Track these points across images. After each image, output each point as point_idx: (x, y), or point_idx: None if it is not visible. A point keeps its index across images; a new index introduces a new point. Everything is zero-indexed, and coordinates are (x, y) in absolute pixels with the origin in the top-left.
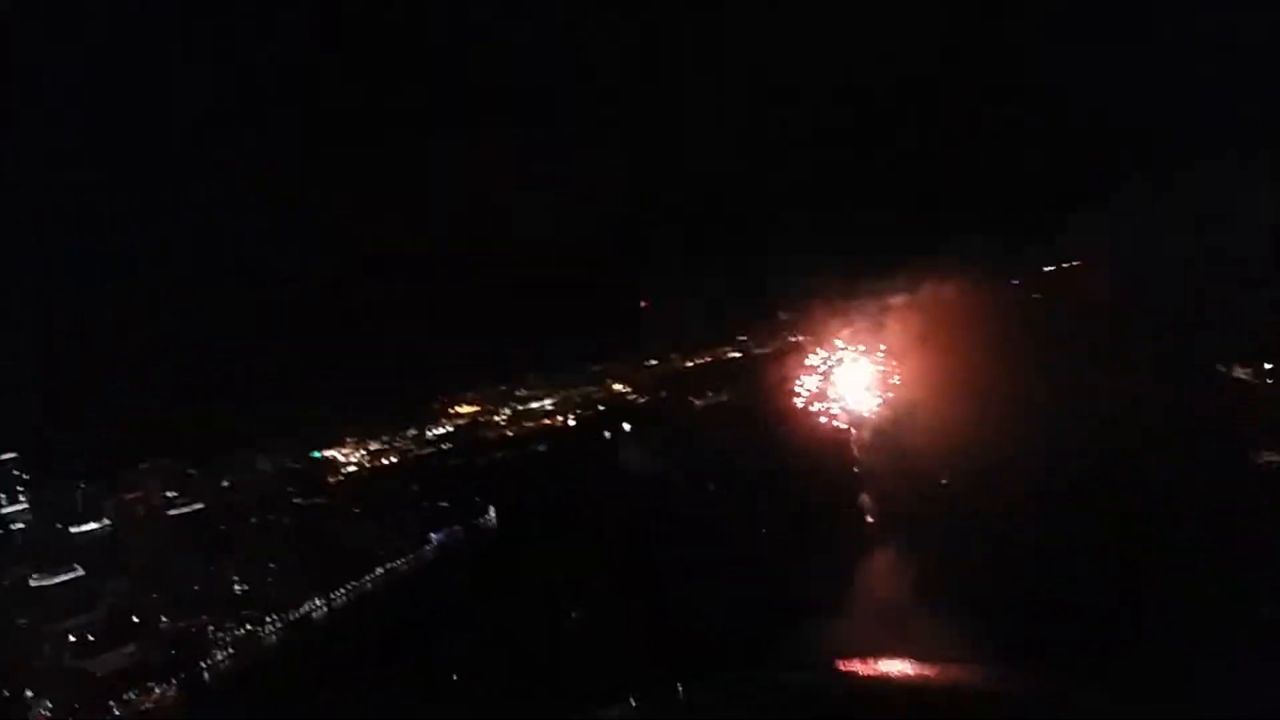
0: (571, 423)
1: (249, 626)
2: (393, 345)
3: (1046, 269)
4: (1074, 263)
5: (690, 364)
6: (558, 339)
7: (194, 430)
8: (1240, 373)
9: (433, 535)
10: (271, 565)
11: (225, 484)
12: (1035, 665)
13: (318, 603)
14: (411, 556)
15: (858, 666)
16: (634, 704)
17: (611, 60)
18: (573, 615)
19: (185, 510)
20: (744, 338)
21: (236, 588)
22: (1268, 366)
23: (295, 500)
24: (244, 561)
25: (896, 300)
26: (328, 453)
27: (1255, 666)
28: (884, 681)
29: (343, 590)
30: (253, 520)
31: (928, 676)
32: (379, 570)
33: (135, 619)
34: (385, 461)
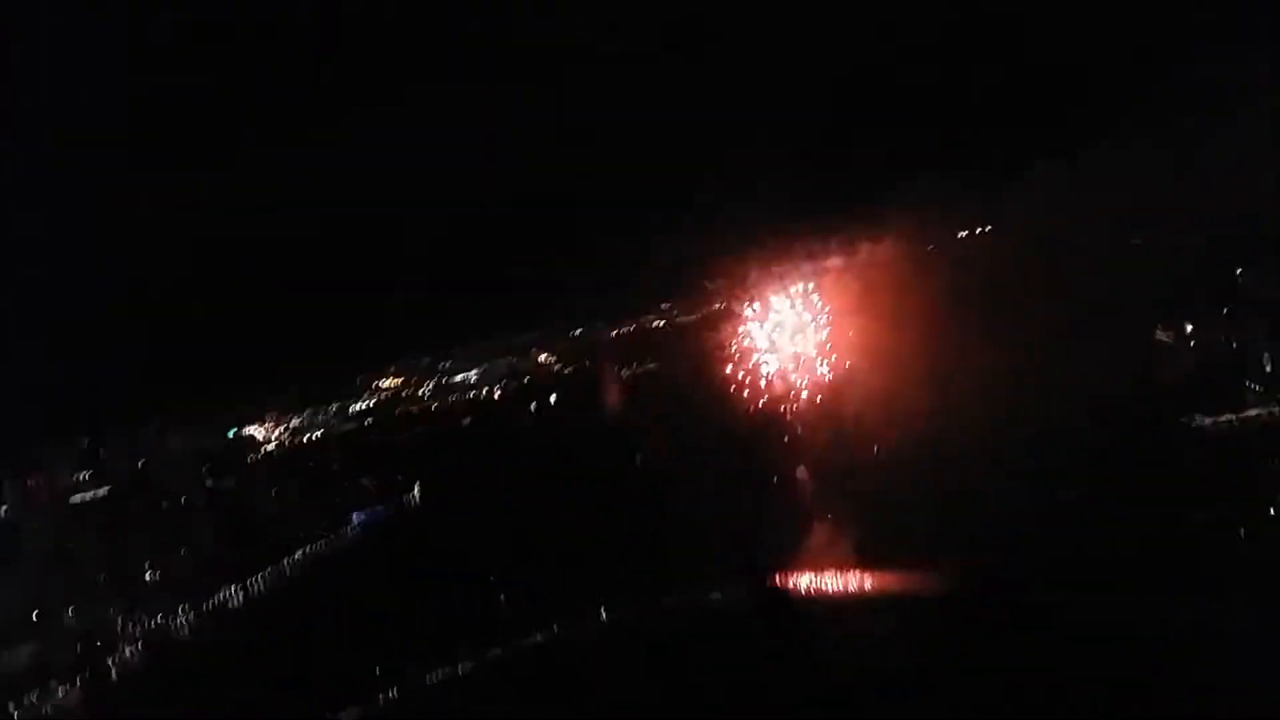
0: (496, 395)
1: (160, 618)
2: (314, 318)
3: (979, 232)
4: (1004, 226)
5: (616, 333)
6: (481, 310)
7: (101, 407)
8: (1162, 335)
9: (354, 515)
10: (184, 552)
11: (134, 465)
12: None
13: (233, 590)
14: (332, 537)
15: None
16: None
17: (535, 23)
18: (501, 597)
19: (90, 495)
20: (668, 305)
21: (146, 576)
22: (1188, 329)
23: (208, 482)
24: (154, 548)
25: (827, 264)
26: (246, 430)
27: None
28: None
29: (260, 575)
30: (164, 504)
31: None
32: (298, 554)
33: (35, 615)
34: (306, 439)
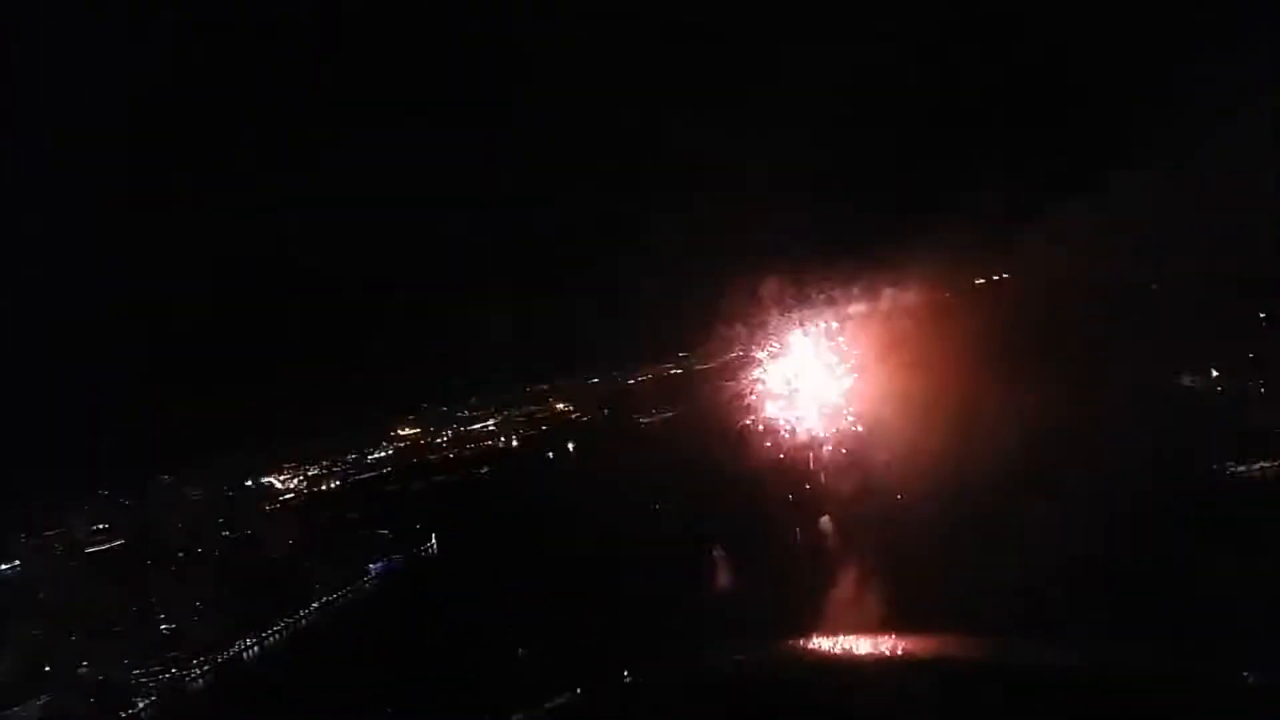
0: (514, 443)
1: (174, 670)
2: (334, 368)
3: (998, 278)
4: (1024, 271)
5: (632, 381)
6: (499, 359)
7: (119, 458)
8: (1188, 380)
9: (371, 566)
10: (199, 604)
11: (149, 516)
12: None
13: (248, 642)
14: (349, 589)
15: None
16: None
17: (543, 68)
18: (519, 651)
19: (106, 547)
20: (685, 354)
21: (162, 628)
22: (1214, 374)
23: (225, 532)
24: (170, 599)
25: (843, 311)
26: (264, 479)
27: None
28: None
29: (276, 628)
30: (180, 554)
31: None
32: (314, 605)
33: (49, 666)
34: (324, 487)
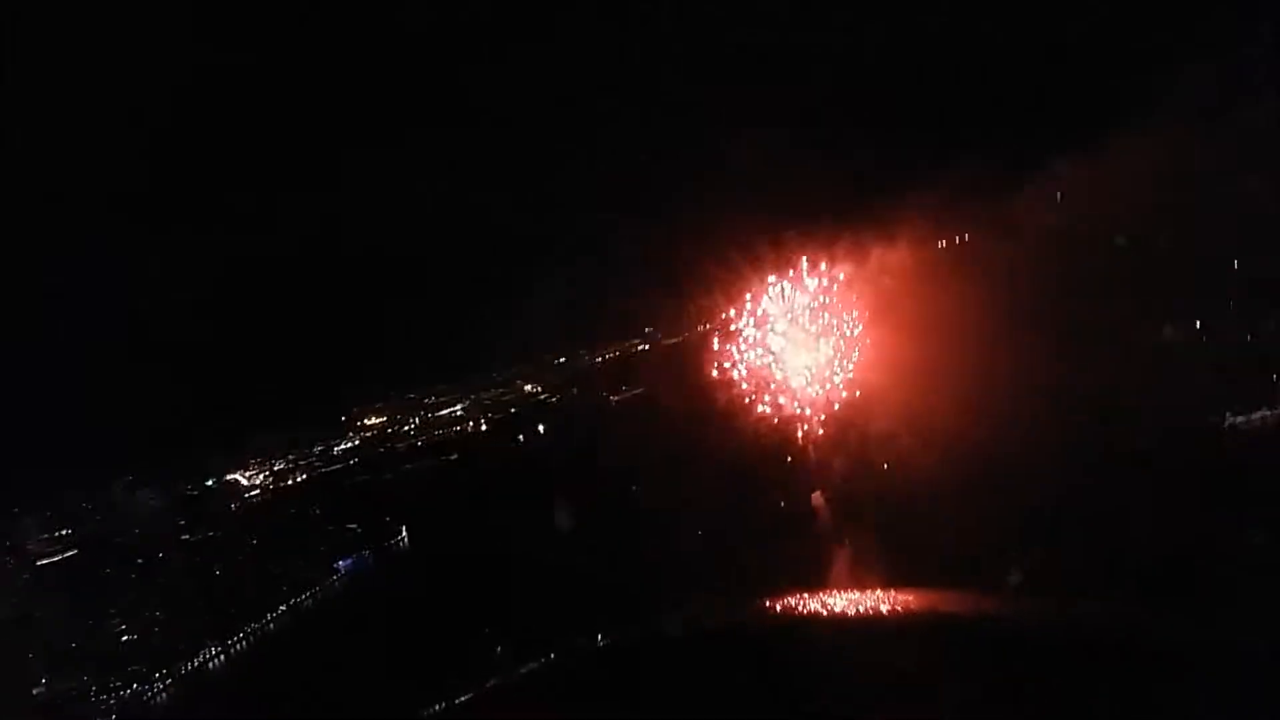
0: (484, 427)
1: (135, 685)
2: (297, 357)
3: (980, 238)
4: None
5: (599, 359)
6: (464, 342)
7: (69, 461)
8: (1171, 333)
9: (340, 564)
10: (159, 613)
11: (105, 521)
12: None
13: (213, 651)
14: (317, 590)
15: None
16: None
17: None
18: (496, 649)
19: (59, 558)
20: (650, 329)
21: (121, 640)
22: (1197, 325)
23: (185, 536)
24: (128, 610)
25: (810, 284)
26: (228, 476)
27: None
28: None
29: (240, 635)
30: (139, 561)
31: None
32: (281, 609)
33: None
34: (289, 482)
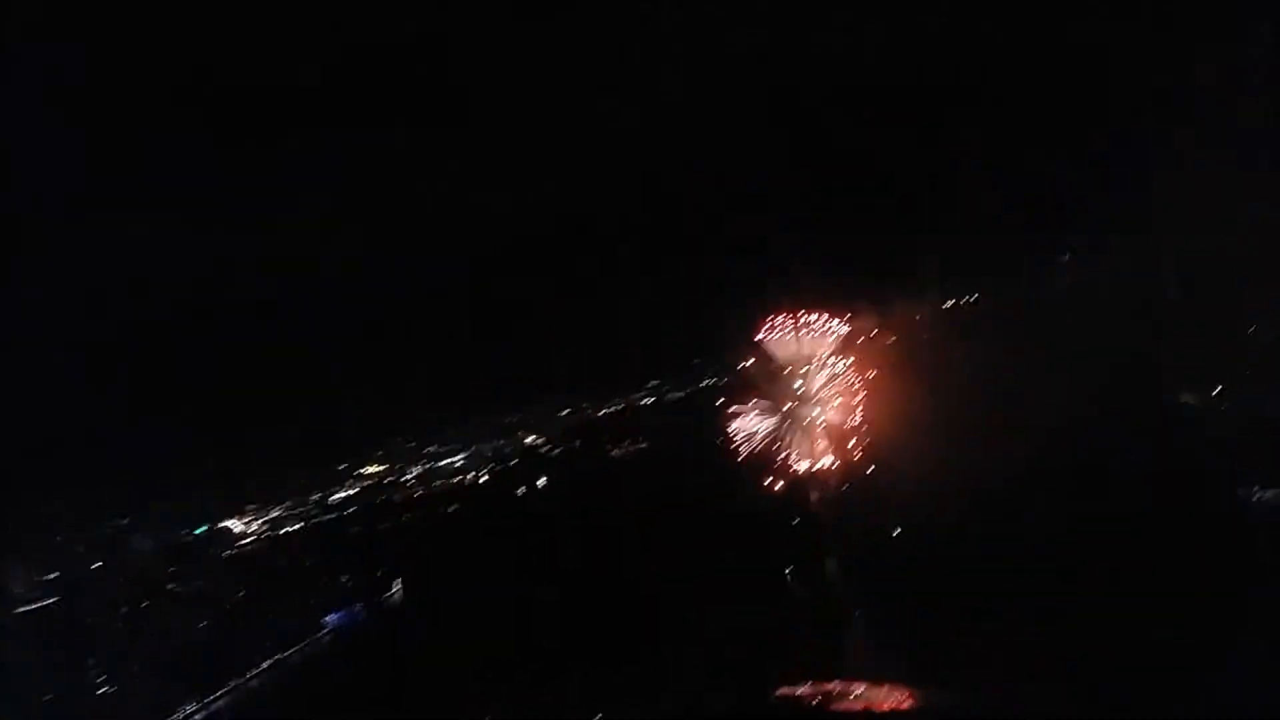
0: (483, 479)
1: None
2: (293, 403)
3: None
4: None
5: (603, 412)
6: (465, 391)
7: (56, 502)
8: (1187, 397)
9: (329, 618)
10: (137, 667)
11: (90, 565)
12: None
13: (190, 709)
14: (304, 645)
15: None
16: None
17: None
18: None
19: (35, 606)
20: (657, 382)
21: (96, 694)
22: (1214, 392)
23: (170, 585)
24: (106, 662)
25: (826, 336)
26: (221, 524)
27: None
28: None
29: (220, 692)
30: (123, 610)
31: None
32: (265, 664)
33: None
34: (284, 531)
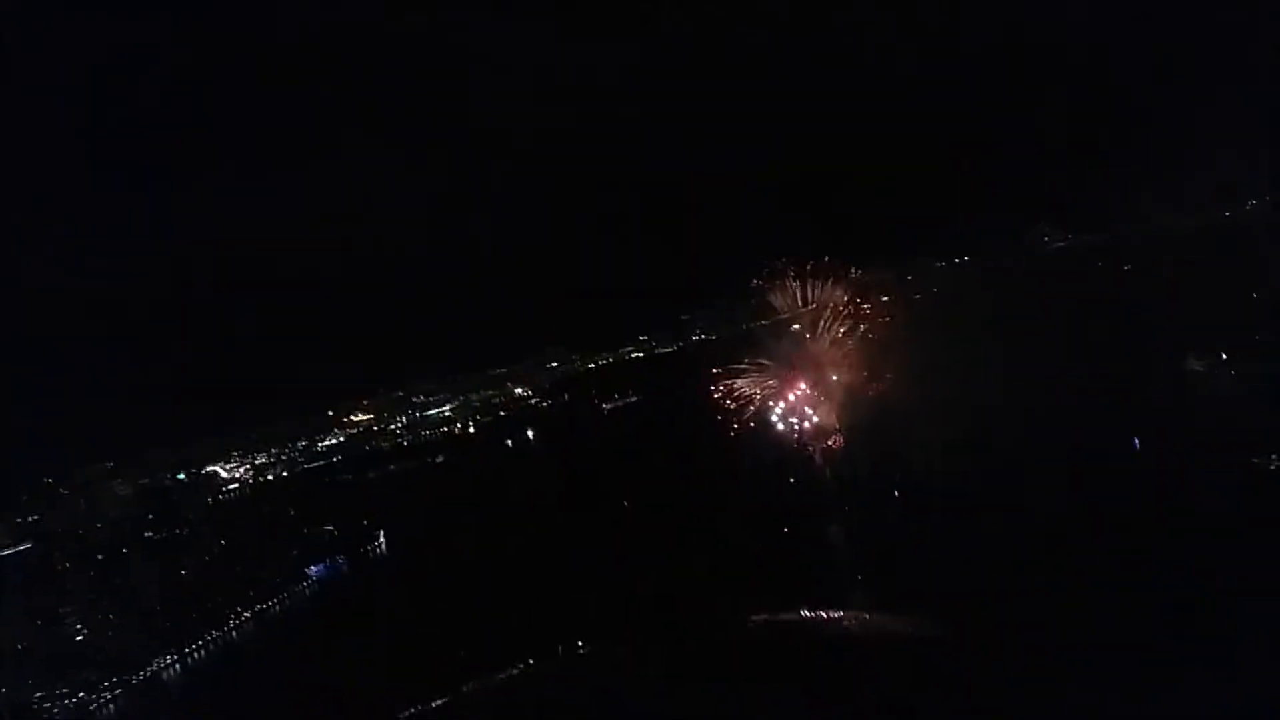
0: (471, 429)
1: (82, 693)
2: (287, 350)
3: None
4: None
5: (592, 365)
6: (455, 342)
7: (39, 444)
8: (1195, 365)
9: (311, 569)
10: (114, 616)
11: (70, 511)
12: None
13: (168, 659)
14: (284, 596)
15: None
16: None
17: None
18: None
19: (8, 553)
20: (645, 336)
21: (73, 643)
22: (1223, 357)
23: (149, 533)
24: (82, 611)
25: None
26: (206, 469)
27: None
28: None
29: (199, 643)
30: (99, 558)
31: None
32: (245, 615)
33: None
34: (269, 478)
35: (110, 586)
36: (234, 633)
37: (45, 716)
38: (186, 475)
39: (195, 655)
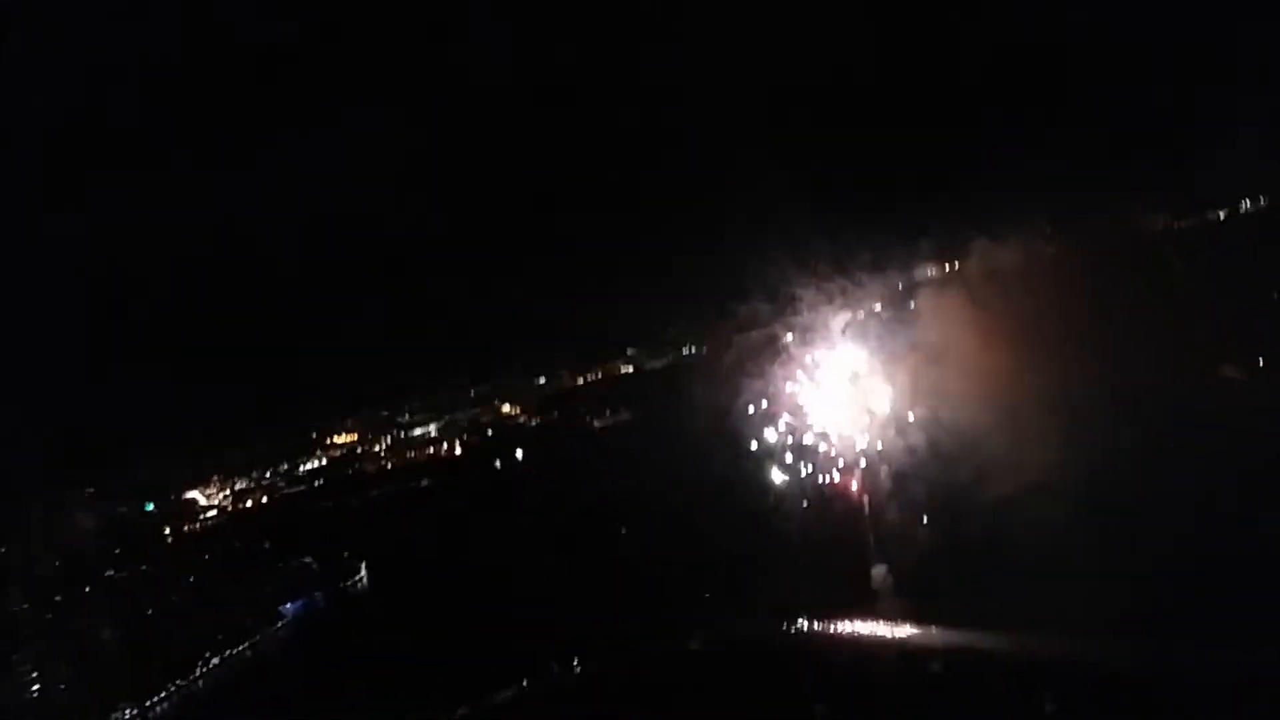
0: (458, 451)
1: None
2: (264, 368)
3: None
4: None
5: (582, 381)
6: (440, 357)
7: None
8: (1230, 371)
9: (287, 607)
10: (67, 665)
11: (19, 547)
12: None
13: (128, 715)
14: (257, 639)
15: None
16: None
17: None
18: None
19: None
20: (633, 351)
21: (22, 697)
22: (1260, 364)
23: (110, 571)
24: (33, 659)
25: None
26: (176, 496)
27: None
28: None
29: (162, 694)
30: (56, 599)
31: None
32: (214, 662)
33: None
34: (245, 505)
35: (66, 633)
36: (200, 682)
37: None
38: (156, 505)
39: (157, 709)
